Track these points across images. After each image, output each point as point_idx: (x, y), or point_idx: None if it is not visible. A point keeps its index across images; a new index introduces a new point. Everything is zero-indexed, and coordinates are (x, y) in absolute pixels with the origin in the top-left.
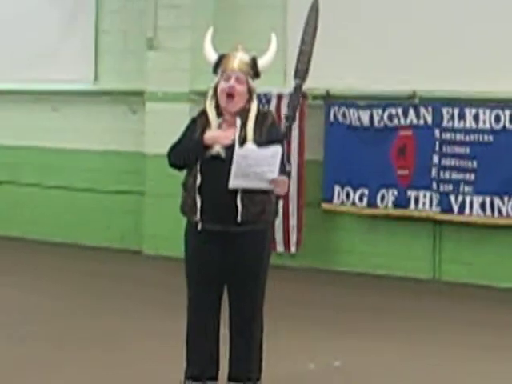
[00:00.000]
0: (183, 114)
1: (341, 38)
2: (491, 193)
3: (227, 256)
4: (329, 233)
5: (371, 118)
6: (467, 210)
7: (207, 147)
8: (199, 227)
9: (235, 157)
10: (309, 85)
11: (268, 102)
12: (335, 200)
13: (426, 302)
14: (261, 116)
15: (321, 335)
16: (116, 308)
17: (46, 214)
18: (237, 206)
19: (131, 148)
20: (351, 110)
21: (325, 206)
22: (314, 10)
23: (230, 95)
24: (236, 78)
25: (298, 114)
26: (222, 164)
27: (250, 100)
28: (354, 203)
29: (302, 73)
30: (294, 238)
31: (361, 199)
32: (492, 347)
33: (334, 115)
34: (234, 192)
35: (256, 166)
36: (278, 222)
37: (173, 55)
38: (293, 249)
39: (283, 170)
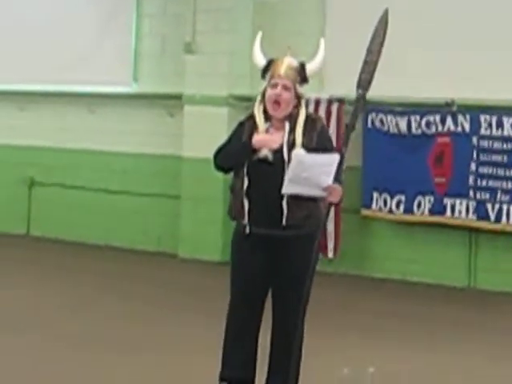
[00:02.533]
0: (221, 118)
1: None
2: None
3: (273, 260)
4: (366, 239)
5: (409, 124)
6: (504, 218)
7: (255, 150)
8: (247, 230)
9: (292, 162)
10: (346, 91)
11: (305, 107)
12: (373, 206)
13: (461, 311)
14: (310, 121)
15: (356, 341)
16: (150, 312)
17: (82, 215)
18: (283, 210)
19: (168, 151)
20: (389, 117)
21: (364, 212)
22: (383, 22)
23: (277, 102)
24: (283, 85)
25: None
26: (269, 167)
27: (298, 105)
28: (391, 210)
29: (365, 83)
30: (331, 244)
31: (398, 206)
32: None
33: (372, 122)
34: (281, 196)
35: (312, 172)
36: None
37: (211, 59)
38: (330, 254)
39: (337, 178)
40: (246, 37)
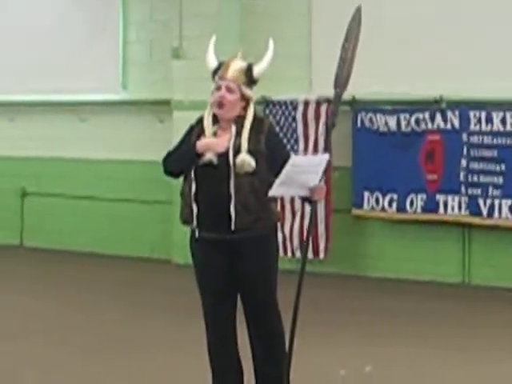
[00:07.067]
0: None
1: (366, 44)
2: None
3: (229, 265)
4: (358, 238)
5: (398, 122)
6: (496, 214)
7: (201, 155)
8: (197, 235)
9: (287, 166)
10: None
11: (294, 108)
12: (365, 206)
13: (456, 307)
14: (257, 123)
15: (351, 341)
16: (145, 318)
17: (74, 224)
18: (230, 215)
19: (159, 157)
20: (378, 116)
21: (355, 211)
22: (355, 20)
23: (220, 104)
24: (226, 86)
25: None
26: (215, 171)
27: (246, 107)
28: (383, 208)
29: (342, 81)
30: (322, 245)
31: (390, 204)
32: None
33: (361, 121)
34: (228, 200)
35: (303, 173)
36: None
37: (199, 64)
38: (321, 255)
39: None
40: (232, 41)
